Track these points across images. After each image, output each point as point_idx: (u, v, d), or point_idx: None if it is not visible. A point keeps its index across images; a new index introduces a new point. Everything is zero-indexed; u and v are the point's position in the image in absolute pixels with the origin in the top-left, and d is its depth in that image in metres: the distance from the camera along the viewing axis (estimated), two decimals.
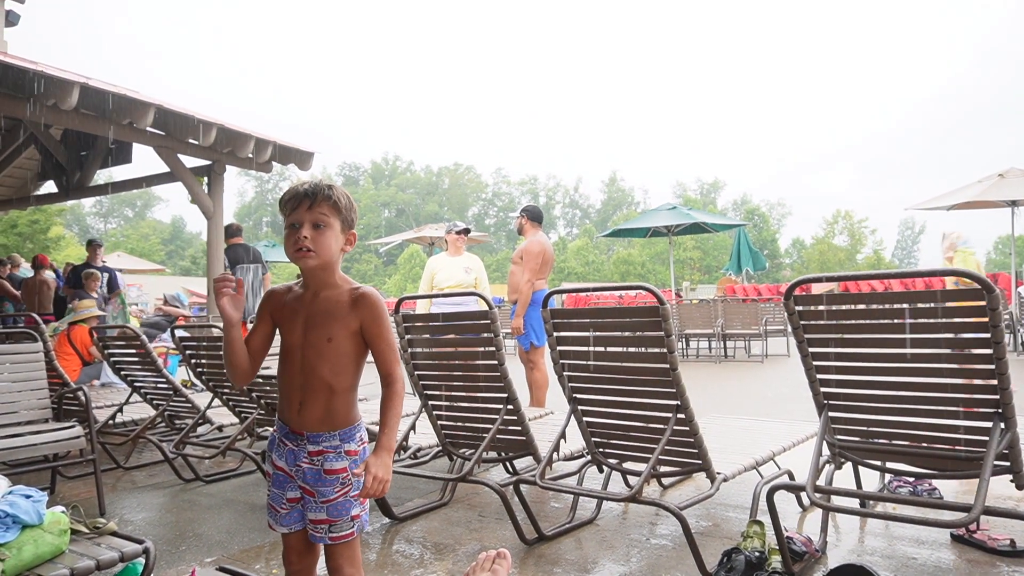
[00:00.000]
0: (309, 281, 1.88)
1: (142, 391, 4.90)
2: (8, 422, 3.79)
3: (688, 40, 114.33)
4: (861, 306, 2.59)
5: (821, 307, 2.55)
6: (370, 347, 1.86)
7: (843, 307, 2.53)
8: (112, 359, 4.91)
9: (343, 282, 1.89)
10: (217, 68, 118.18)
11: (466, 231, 6.44)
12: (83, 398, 4.00)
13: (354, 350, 1.85)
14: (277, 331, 1.94)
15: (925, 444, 2.46)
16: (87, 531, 2.26)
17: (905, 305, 2.39)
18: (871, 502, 3.23)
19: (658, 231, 15.67)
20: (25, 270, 10.68)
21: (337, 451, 1.83)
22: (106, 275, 9.07)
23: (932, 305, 2.32)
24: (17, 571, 1.95)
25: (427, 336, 3.47)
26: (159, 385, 4.77)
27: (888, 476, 3.43)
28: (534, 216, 6.02)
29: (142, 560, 2.17)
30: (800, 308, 2.56)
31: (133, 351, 4.76)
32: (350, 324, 1.82)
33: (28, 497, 2.09)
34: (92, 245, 9.29)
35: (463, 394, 3.44)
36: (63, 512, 2.17)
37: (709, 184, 76.80)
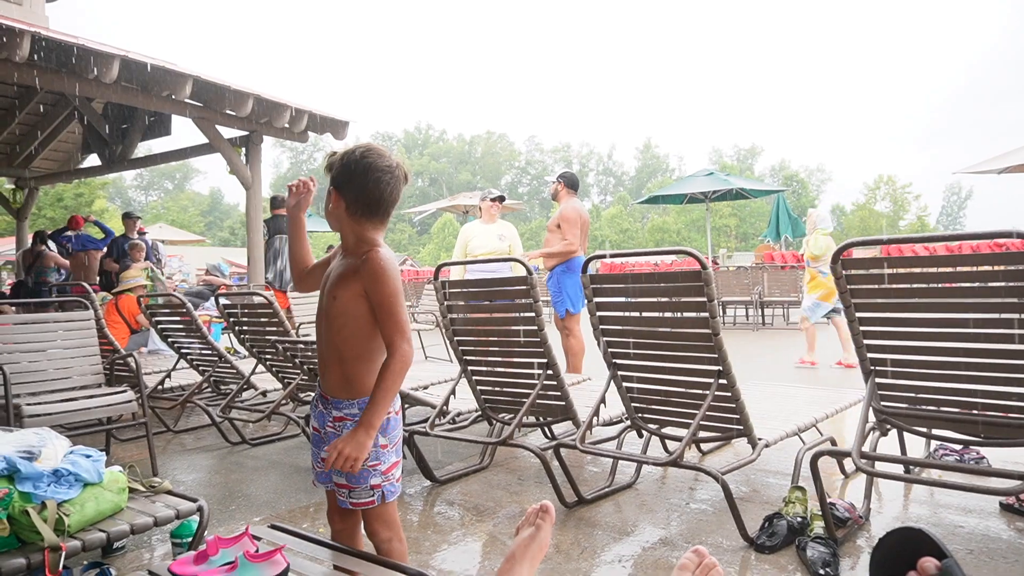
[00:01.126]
0: (341, 246, 1.93)
1: (188, 357, 5.03)
2: (64, 387, 3.93)
3: (724, 2, 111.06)
4: (911, 270, 2.53)
5: (870, 271, 2.49)
6: (375, 313, 1.79)
7: (893, 271, 2.47)
8: (159, 327, 5.04)
9: (366, 245, 1.84)
10: (244, 38, 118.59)
11: (500, 199, 6.40)
12: (133, 364, 4.12)
13: (360, 316, 1.80)
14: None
15: (976, 411, 2.41)
16: (144, 490, 2.34)
17: (957, 268, 2.32)
18: (917, 468, 3.18)
19: (694, 198, 15.44)
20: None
21: (355, 420, 1.81)
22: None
23: (986, 268, 2.25)
24: (81, 526, 2.03)
25: (466, 303, 3.49)
26: (204, 352, 4.89)
27: (934, 444, 3.38)
28: (570, 183, 5.96)
29: (196, 518, 2.25)
30: (848, 272, 2.51)
31: (178, 319, 4.87)
32: (353, 287, 1.80)
33: (88, 456, 2.17)
34: (128, 218, 9.44)
35: (502, 359, 3.46)
36: (121, 472, 2.25)
37: (746, 150, 75.11)
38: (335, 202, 1.83)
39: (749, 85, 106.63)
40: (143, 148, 9.65)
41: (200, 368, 5.00)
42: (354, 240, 1.85)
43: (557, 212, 5.89)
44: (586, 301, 3.06)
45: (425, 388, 4.16)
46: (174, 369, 5.11)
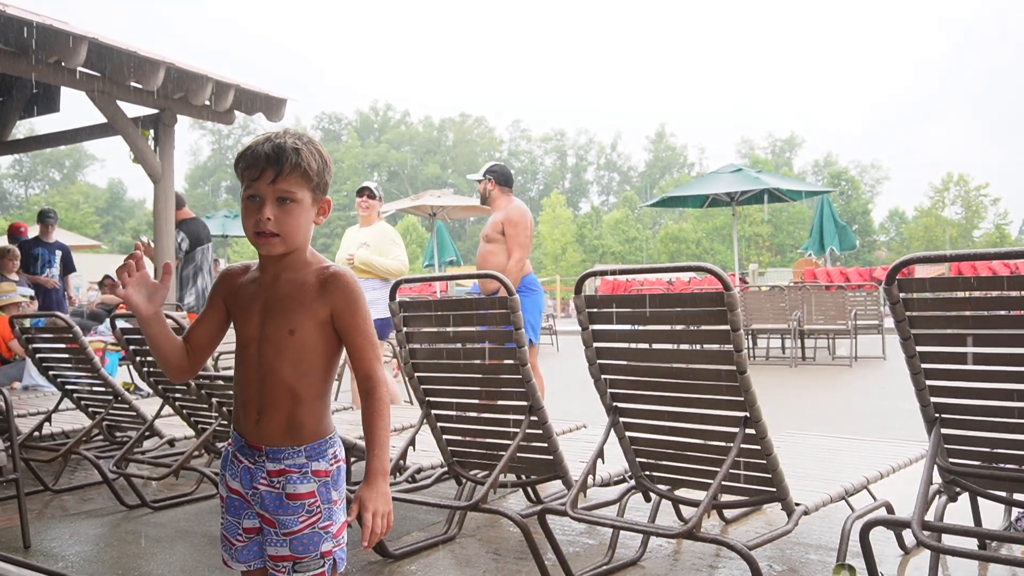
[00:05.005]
0: (268, 262, 1.90)
1: (75, 396, 4.95)
2: None
3: None
4: (988, 293, 2.55)
5: (936, 295, 2.51)
6: (344, 341, 1.88)
7: (964, 294, 2.50)
8: (38, 356, 4.96)
9: (313, 260, 1.91)
10: None
11: (366, 192, 6.49)
12: (3, 404, 4.05)
13: (323, 345, 1.87)
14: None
15: None
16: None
17: None
18: (994, 543, 3.19)
19: (718, 199, 15.56)
20: None
21: (303, 471, 1.84)
22: (59, 253, 9.12)
23: None
24: None
25: (432, 330, 3.47)
26: (96, 389, 4.82)
27: (1016, 512, 3.39)
28: (503, 179, 5.88)
29: None
30: (907, 296, 2.53)
31: (64, 346, 4.81)
32: (318, 312, 1.84)
33: None
34: (46, 220, 9.25)
35: (475, 402, 3.45)
36: None
37: (783, 141, 76.22)
38: (323, 211, 1.89)
39: (787, 62, 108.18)
40: (24, 128, 9.60)
41: (90, 410, 4.93)
42: (301, 256, 1.90)
43: (499, 214, 5.80)
44: (581, 329, 3.06)
45: None
46: (56, 410, 5.04)
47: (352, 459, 4.13)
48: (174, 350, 1.91)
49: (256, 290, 1.90)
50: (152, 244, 7.72)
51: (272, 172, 1.78)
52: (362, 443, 3.70)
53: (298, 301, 1.84)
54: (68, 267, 9.29)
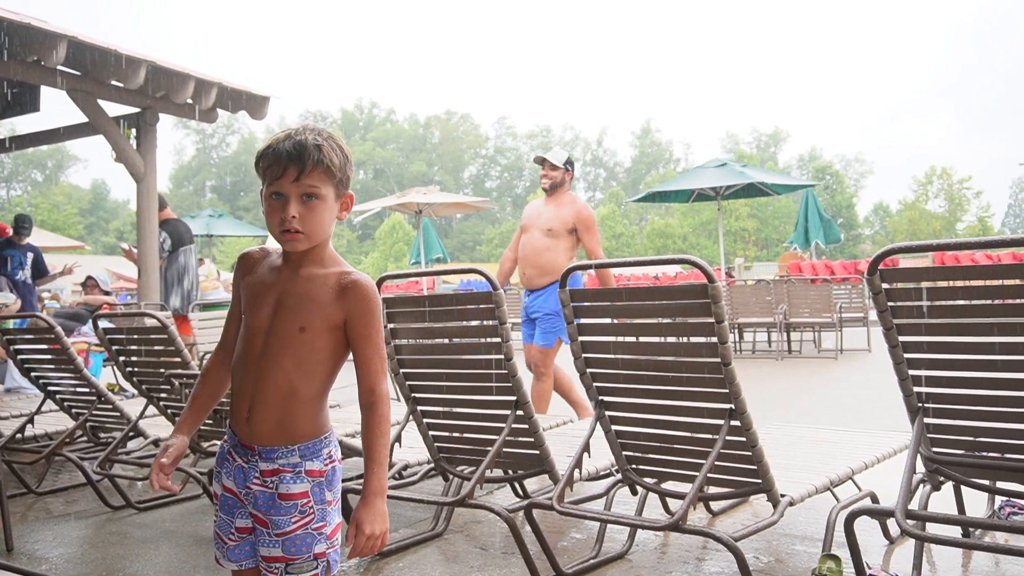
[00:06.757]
0: (291, 255, 1.89)
1: (58, 397, 4.92)
2: None
3: None
4: (970, 282, 2.57)
5: (918, 284, 2.53)
6: (353, 350, 1.86)
7: (946, 283, 2.51)
8: (19, 357, 4.93)
9: (332, 262, 1.89)
10: None
11: None
12: None
13: (331, 348, 1.86)
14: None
15: None
16: None
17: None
18: (978, 531, 3.22)
19: (704, 194, 15.64)
20: None
21: (296, 471, 1.83)
22: (30, 255, 8.98)
23: None
24: None
25: (417, 325, 3.46)
26: (79, 390, 4.79)
27: (999, 500, 3.42)
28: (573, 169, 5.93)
29: None
30: (889, 286, 2.54)
31: (46, 347, 4.77)
32: (332, 316, 1.83)
33: None
34: (23, 226, 9.10)
35: (461, 397, 3.44)
36: None
37: (768, 136, 76.56)
38: (346, 206, 1.89)
39: (771, 56, 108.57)
40: (4, 128, 9.51)
41: (73, 411, 4.89)
42: (322, 253, 1.89)
43: (568, 210, 5.62)
44: (566, 323, 3.06)
45: None
46: (38, 412, 5.00)
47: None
48: (218, 392, 2.03)
49: (274, 280, 1.88)
50: (135, 248, 7.69)
51: (295, 170, 1.77)
52: (350, 440, 3.71)
53: (314, 300, 1.83)
54: (39, 269, 9.06)
